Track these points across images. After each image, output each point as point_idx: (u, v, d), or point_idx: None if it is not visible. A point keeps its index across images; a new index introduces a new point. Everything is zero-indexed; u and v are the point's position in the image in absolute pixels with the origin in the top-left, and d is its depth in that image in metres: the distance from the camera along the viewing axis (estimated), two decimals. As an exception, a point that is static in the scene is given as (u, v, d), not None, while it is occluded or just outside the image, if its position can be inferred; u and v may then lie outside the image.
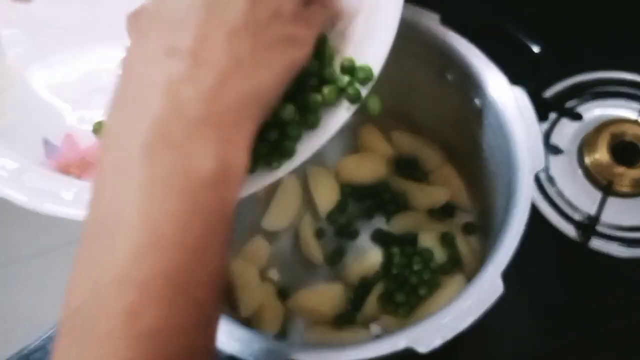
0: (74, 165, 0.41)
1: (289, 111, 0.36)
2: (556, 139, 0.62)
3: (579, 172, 0.60)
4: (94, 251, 0.29)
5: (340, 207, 0.59)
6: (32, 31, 0.45)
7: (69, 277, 0.29)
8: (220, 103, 0.31)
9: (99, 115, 0.41)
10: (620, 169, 0.59)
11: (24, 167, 0.40)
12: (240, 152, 0.31)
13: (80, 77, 0.44)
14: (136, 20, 0.33)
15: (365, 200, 0.59)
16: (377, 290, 0.54)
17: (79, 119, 0.43)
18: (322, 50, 0.38)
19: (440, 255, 0.55)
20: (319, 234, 0.58)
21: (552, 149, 0.61)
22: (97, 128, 0.41)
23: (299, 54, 0.34)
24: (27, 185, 0.40)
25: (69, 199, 0.39)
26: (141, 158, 0.29)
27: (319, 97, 0.37)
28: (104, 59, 0.44)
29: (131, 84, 0.31)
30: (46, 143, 0.42)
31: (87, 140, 0.42)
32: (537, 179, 0.59)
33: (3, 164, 0.40)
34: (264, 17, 0.33)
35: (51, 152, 0.42)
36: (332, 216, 0.59)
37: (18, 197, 0.39)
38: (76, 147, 0.42)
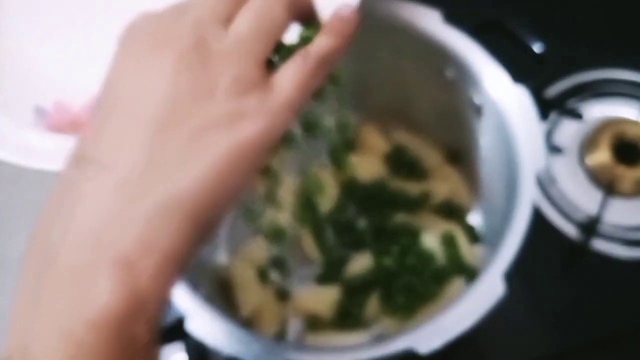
0: (65, 126, 0.42)
1: None
2: (557, 138, 0.62)
3: (580, 172, 0.60)
4: None
5: (339, 207, 0.59)
6: (30, 10, 0.46)
7: None
8: (123, 215, 0.26)
9: (90, 82, 0.42)
10: (621, 169, 0.59)
11: (12, 129, 0.41)
12: (150, 281, 0.26)
13: (75, 47, 0.45)
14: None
15: (364, 200, 0.59)
16: (377, 291, 0.54)
17: (71, 85, 0.44)
18: None
19: (440, 255, 0.55)
20: (318, 234, 0.58)
21: (553, 149, 0.61)
22: None
23: (249, 129, 0.28)
24: (14, 143, 0.40)
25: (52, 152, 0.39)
26: (30, 291, 0.26)
27: None
28: (98, 32, 0.44)
29: (49, 203, 0.28)
30: (37, 109, 0.43)
31: (77, 103, 0.43)
32: (538, 179, 0.59)
33: None
34: (192, 103, 0.27)
35: (42, 116, 0.42)
36: (331, 216, 0.58)
37: (6, 155, 0.39)
38: (67, 110, 0.43)
